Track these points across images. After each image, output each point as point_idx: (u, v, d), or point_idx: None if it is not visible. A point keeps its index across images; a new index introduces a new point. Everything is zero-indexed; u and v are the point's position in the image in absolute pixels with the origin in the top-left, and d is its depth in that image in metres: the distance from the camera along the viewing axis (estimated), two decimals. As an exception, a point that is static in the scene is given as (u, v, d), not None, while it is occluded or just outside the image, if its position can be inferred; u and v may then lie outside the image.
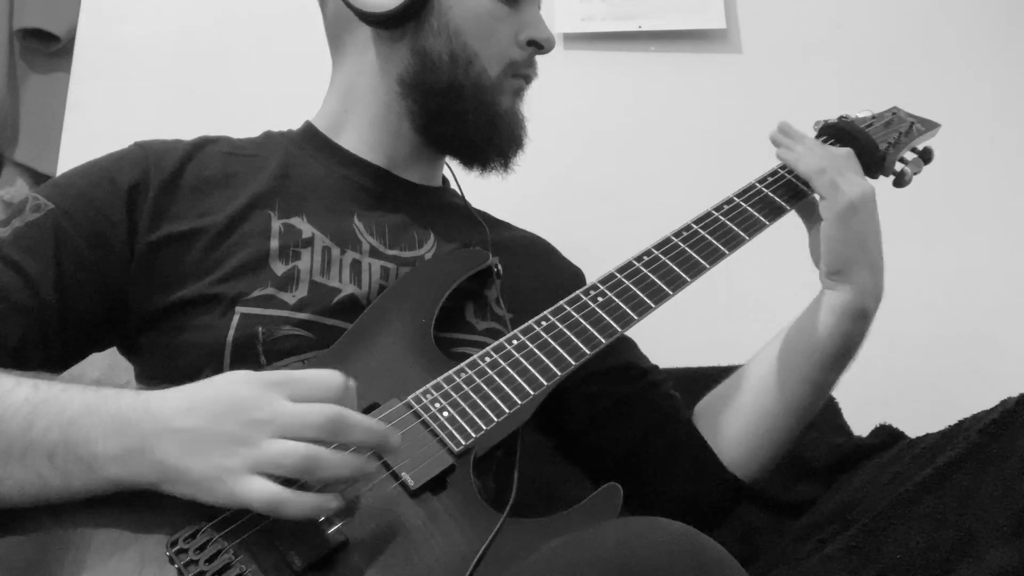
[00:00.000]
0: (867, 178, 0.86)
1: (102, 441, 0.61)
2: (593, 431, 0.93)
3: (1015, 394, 0.74)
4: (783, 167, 0.89)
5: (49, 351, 0.78)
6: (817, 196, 0.84)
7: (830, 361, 0.84)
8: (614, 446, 0.92)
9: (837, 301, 0.82)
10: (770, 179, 0.88)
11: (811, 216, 0.87)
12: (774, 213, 0.86)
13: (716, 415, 0.90)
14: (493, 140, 0.92)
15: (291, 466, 0.58)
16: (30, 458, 0.61)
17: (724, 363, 1.18)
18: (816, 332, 0.83)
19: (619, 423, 0.92)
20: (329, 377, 0.62)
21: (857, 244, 0.81)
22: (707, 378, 0.98)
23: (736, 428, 0.88)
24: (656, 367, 0.98)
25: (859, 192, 0.81)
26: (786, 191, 0.87)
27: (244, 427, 0.59)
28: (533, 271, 0.96)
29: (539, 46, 0.93)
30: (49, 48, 1.61)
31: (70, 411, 0.62)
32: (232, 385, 0.62)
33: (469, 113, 0.89)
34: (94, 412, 0.62)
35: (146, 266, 0.81)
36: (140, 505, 0.61)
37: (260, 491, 0.58)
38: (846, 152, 0.87)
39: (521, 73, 0.93)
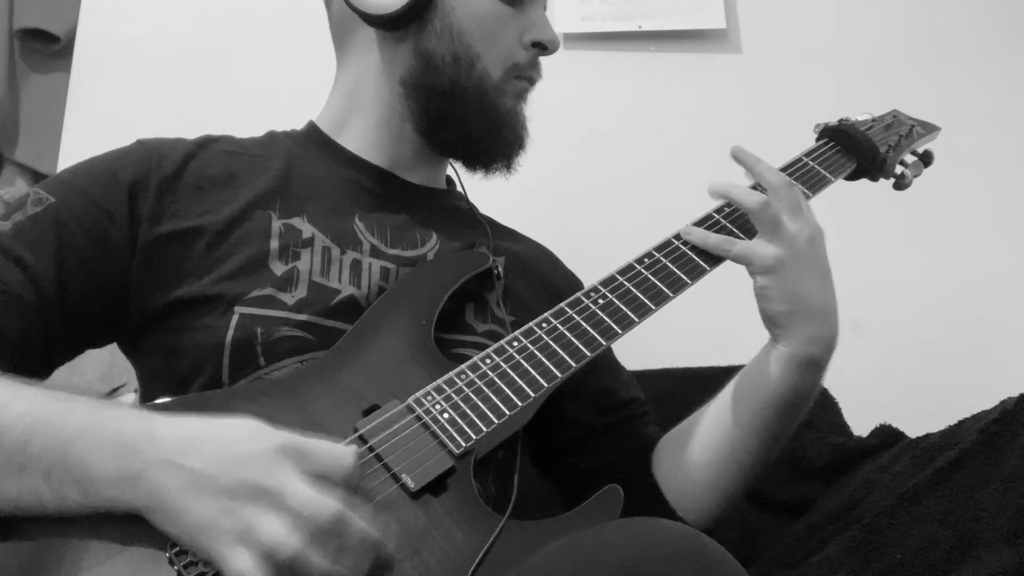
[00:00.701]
0: (800, 223, 0.80)
1: (99, 464, 0.59)
2: (565, 454, 0.93)
3: (1015, 394, 0.74)
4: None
5: (48, 345, 0.77)
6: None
7: (781, 411, 0.81)
8: (581, 471, 0.92)
9: (778, 354, 0.80)
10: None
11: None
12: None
13: (669, 458, 0.89)
14: (495, 142, 0.92)
15: (282, 558, 0.55)
16: (26, 477, 0.59)
17: (724, 363, 1.19)
18: (764, 383, 0.81)
19: (585, 453, 0.92)
20: (343, 457, 0.60)
21: (790, 298, 0.78)
22: (708, 378, 0.99)
23: (683, 475, 0.86)
24: (639, 398, 0.97)
25: (787, 244, 0.78)
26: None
27: (248, 488, 0.57)
28: (535, 275, 0.96)
29: (543, 47, 0.92)
30: (49, 48, 1.61)
31: (68, 431, 0.60)
32: (245, 438, 0.60)
33: (471, 115, 0.89)
34: (93, 434, 0.60)
35: (147, 263, 0.80)
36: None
37: (246, 569, 0.55)
38: (777, 182, 0.82)
39: (524, 75, 0.93)
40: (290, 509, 0.56)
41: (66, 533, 0.60)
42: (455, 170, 1.01)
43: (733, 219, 0.85)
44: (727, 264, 0.83)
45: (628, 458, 0.91)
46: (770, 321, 0.81)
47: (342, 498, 0.57)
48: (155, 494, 0.58)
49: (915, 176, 0.94)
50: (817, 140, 0.94)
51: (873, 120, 0.97)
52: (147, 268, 0.80)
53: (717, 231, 0.84)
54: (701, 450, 0.85)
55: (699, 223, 0.85)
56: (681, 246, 0.83)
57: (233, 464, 0.58)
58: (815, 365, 0.79)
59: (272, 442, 0.59)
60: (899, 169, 0.95)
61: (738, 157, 0.87)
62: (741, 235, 0.84)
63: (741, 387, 0.84)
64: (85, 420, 0.61)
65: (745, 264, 0.80)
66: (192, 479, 0.58)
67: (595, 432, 0.92)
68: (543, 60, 0.95)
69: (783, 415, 0.81)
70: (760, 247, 0.79)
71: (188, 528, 0.57)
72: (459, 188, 1.02)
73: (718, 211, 0.86)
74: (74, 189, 0.81)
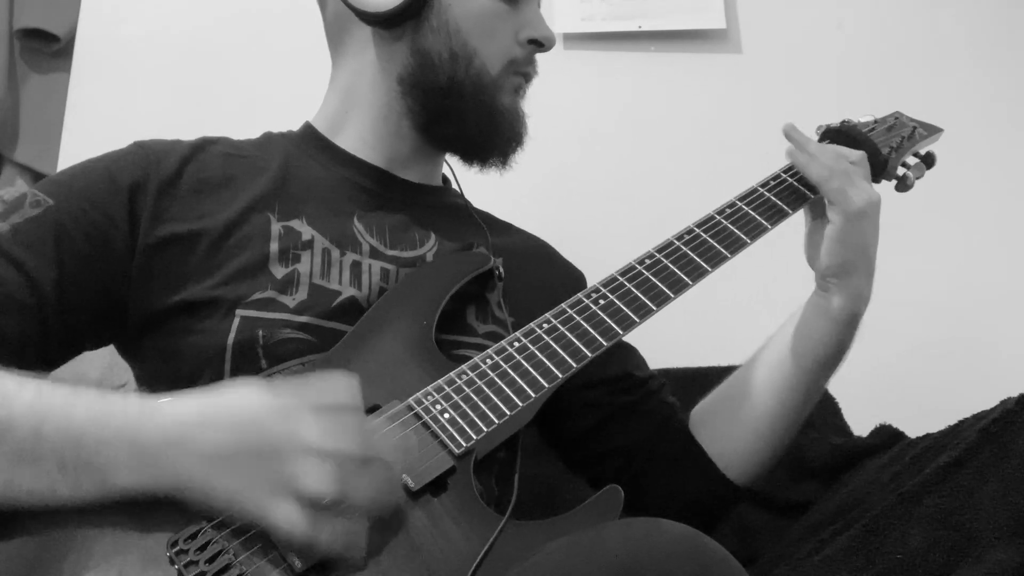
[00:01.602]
0: (873, 185, 0.86)
1: (114, 453, 0.60)
2: (591, 439, 0.93)
3: (1015, 394, 0.74)
4: (786, 171, 0.89)
5: (47, 347, 0.78)
6: (827, 200, 0.84)
7: (824, 364, 0.85)
8: (612, 454, 0.92)
9: (830, 305, 0.83)
10: (772, 183, 0.88)
11: (817, 214, 0.87)
12: (776, 217, 0.86)
13: (712, 420, 0.90)
14: (493, 137, 0.92)
15: (326, 491, 0.57)
16: (41, 466, 0.60)
17: (724, 363, 1.19)
18: (813, 336, 0.84)
19: (617, 432, 0.92)
20: (343, 381, 0.63)
21: (859, 249, 0.82)
22: (707, 378, 0.99)
23: (732, 433, 0.88)
24: (654, 374, 0.98)
25: (867, 199, 0.82)
26: (788, 195, 0.87)
27: (270, 445, 0.58)
28: (534, 274, 0.96)
29: (539, 44, 0.93)
30: (49, 48, 1.61)
31: (77, 419, 0.61)
32: (250, 401, 0.61)
33: (469, 111, 0.89)
34: (103, 424, 0.61)
35: (146, 267, 0.80)
36: (140, 506, 0.61)
37: (295, 521, 0.57)
38: (859, 156, 0.87)
39: (521, 71, 0.93)
40: (317, 448, 0.58)
41: (67, 533, 0.61)
42: (451, 168, 1.01)
43: (735, 219, 0.85)
44: (727, 265, 0.83)
45: (662, 428, 0.92)
46: (834, 269, 0.82)
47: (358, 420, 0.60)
48: (178, 477, 0.59)
49: (917, 178, 0.94)
50: (819, 141, 0.94)
51: (875, 121, 0.97)
52: (146, 271, 0.80)
53: (717, 232, 0.84)
54: (748, 409, 0.88)
55: (700, 224, 0.85)
56: (682, 247, 0.83)
57: (246, 427, 0.59)
58: (856, 321, 0.83)
59: (273, 396, 0.61)
60: (901, 171, 0.95)
61: (790, 135, 0.88)
62: (742, 235, 0.84)
63: (786, 345, 0.87)
64: (92, 408, 0.62)
65: (835, 202, 0.81)
66: (211, 453, 0.59)
67: (621, 410, 0.93)
68: (540, 59, 0.95)
69: (823, 367, 0.85)
70: (850, 193, 0.81)
71: (224, 500, 0.59)
72: (455, 186, 1.02)
73: (719, 212, 0.86)
74: (72, 191, 0.81)
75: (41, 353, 0.77)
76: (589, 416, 0.93)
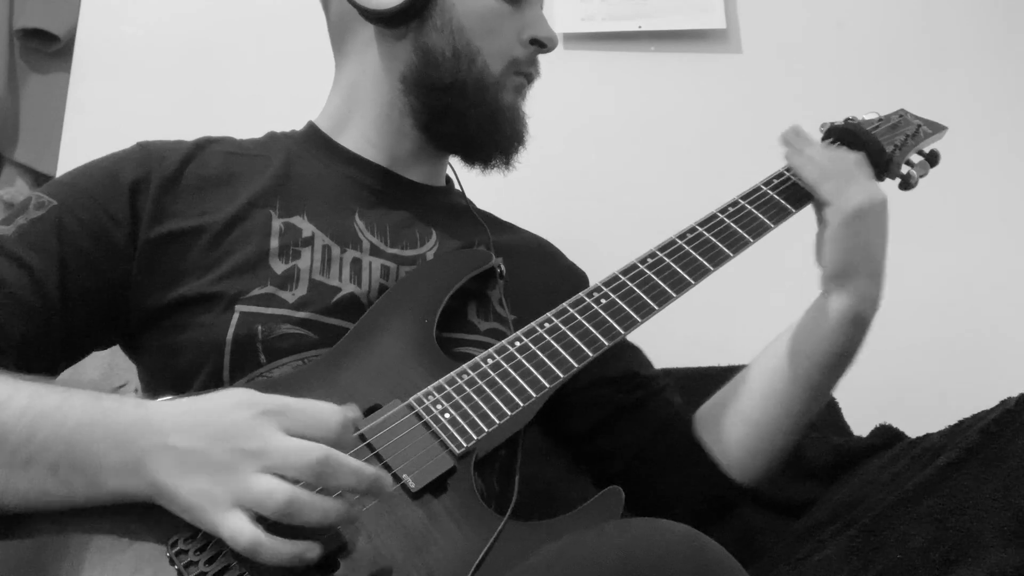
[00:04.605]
0: (877, 183, 0.85)
1: (103, 455, 0.61)
2: (596, 437, 0.93)
3: (1015, 394, 0.74)
4: (789, 168, 0.88)
5: (51, 348, 0.78)
6: (823, 201, 0.83)
7: (829, 366, 0.83)
8: (617, 452, 0.92)
9: (836, 307, 0.81)
10: (775, 181, 0.88)
11: (823, 214, 0.86)
12: (778, 216, 0.85)
13: (717, 420, 0.90)
14: (494, 137, 0.92)
15: (272, 508, 0.57)
16: (33, 470, 0.61)
17: (725, 363, 1.19)
18: (815, 337, 0.83)
19: (621, 430, 0.92)
20: (328, 412, 0.61)
21: (860, 251, 0.81)
22: (709, 378, 0.98)
23: (737, 433, 0.88)
24: (659, 374, 0.98)
25: (866, 198, 0.81)
26: (791, 193, 0.87)
27: (233, 455, 0.59)
28: (536, 273, 0.96)
29: (541, 44, 0.93)
30: (49, 48, 1.61)
31: (70, 423, 0.62)
32: (230, 408, 0.61)
33: (471, 109, 0.90)
34: (95, 425, 0.62)
35: (148, 263, 0.81)
36: (140, 506, 0.61)
37: (239, 531, 0.57)
38: (856, 157, 0.86)
39: (523, 71, 0.93)
40: (273, 462, 0.58)
41: (66, 533, 0.61)
42: (453, 169, 1.01)
43: (738, 218, 0.85)
44: (727, 265, 0.83)
45: (666, 428, 0.92)
46: (835, 271, 0.82)
47: (325, 451, 0.59)
48: (152, 481, 0.60)
49: (921, 176, 0.94)
50: (823, 139, 0.94)
51: (879, 119, 0.97)
52: (148, 267, 0.81)
53: (720, 231, 0.84)
54: (753, 410, 0.87)
55: (703, 223, 0.85)
56: (685, 246, 0.83)
57: (217, 436, 0.60)
58: (863, 323, 0.82)
59: (255, 408, 0.61)
60: (905, 169, 0.94)
61: (788, 141, 0.88)
62: (744, 234, 0.84)
63: (791, 346, 0.86)
64: (85, 412, 0.62)
65: (831, 203, 0.81)
66: (181, 457, 0.60)
67: (627, 408, 0.93)
68: (542, 59, 0.95)
69: (831, 369, 0.84)
70: (847, 193, 0.81)
71: (186, 505, 0.59)
72: (457, 186, 1.02)
73: (722, 211, 0.86)
74: (76, 190, 0.81)
75: (46, 353, 0.78)
76: (594, 414, 0.93)
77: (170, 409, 0.63)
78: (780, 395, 0.85)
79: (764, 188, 0.88)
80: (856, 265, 0.81)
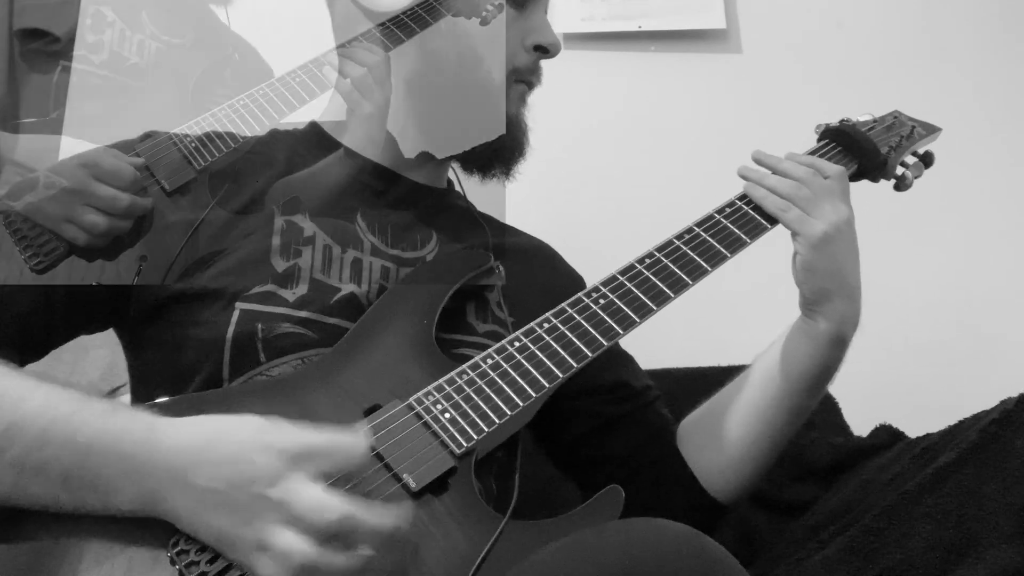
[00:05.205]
0: (842, 203, 0.83)
1: (115, 482, 0.60)
2: (583, 446, 0.93)
3: (1015, 394, 0.74)
4: (741, 197, 0.87)
5: (49, 327, 0.79)
6: (789, 231, 0.83)
7: (806, 386, 0.84)
8: (602, 462, 0.92)
9: (816, 330, 0.82)
10: (727, 209, 0.86)
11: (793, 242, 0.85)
12: (775, 217, 0.85)
13: (697, 435, 0.90)
14: (494, 146, 0.92)
15: (289, 569, 0.57)
16: (44, 477, 0.60)
17: (724, 363, 1.19)
18: (793, 358, 0.83)
19: (609, 441, 0.92)
20: (349, 447, 0.61)
21: (831, 275, 0.80)
22: (707, 379, 0.98)
23: (715, 450, 0.87)
24: (651, 384, 0.97)
25: (831, 222, 0.80)
26: (746, 223, 0.85)
27: (254, 500, 0.58)
28: (535, 275, 0.96)
29: (545, 51, 0.93)
30: (49, 48, 1.61)
31: (82, 438, 0.61)
32: (252, 450, 0.60)
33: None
34: (108, 452, 0.61)
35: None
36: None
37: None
38: (836, 172, 0.85)
39: (525, 79, 0.94)
40: (297, 518, 0.57)
41: (68, 533, 0.61)
42: (454, 171, 1.01)
43: (735, 219, 0.85)
44: (727, 265, 0.83)
45: (652, 441, 0.92)
46: (810, 297, 0.82)
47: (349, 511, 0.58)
48: (172, 513, 0.60)
49: (916, 177, 0.94)
50: (818, 141, 0.94)
51: (874, 121, 0.97)
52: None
53: (718, 231, 0.84)
54: (732, 428, 0.87)
55: (700, 224, 0.85)
56: (682, 246, 0.83)
57: (240, 481, 0.59)
58: (843, 343, 0.82)
59: (277, 450, 0.59)
60: (900, 170, 0.95)
61: (760, 160, 0.87)
62: (742, 234, 0.84)
63: (771, 366, 0.86)
64: (97, 432, 0.62)
65: (796, 232, 0.81)
66: (199, 496, 0.59)
67: (615, 420, 0.93)
68: (543, 63, 0.95)
69: (812, 392, 0.84)
70: (811, 220, 0.81)
71: (211, 540, 0.59)
72: (458, 188, 1.02)
73: (719, 211, 0.86)
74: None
75: (43, 332, 0.79)
76: (583, 423, 0.93)
77: (187, 440, 0.62)
78: (760, 413, 0.85)
79: (739, 203, 0.87)
80: (831, 290, 0.81)
